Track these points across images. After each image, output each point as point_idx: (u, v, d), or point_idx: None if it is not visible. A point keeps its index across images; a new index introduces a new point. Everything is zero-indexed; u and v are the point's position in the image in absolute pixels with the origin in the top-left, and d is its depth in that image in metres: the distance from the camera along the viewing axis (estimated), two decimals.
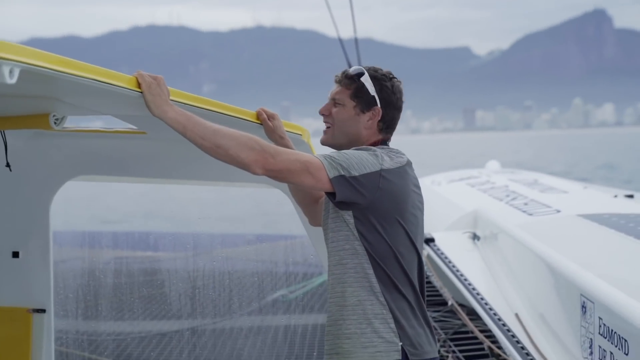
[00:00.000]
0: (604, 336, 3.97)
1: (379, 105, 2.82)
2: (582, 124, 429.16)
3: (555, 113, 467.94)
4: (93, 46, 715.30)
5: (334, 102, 2.86)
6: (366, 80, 2.82)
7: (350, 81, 2.83)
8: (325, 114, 2.87)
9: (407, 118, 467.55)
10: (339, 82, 2.87)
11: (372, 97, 2.82)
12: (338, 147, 2.83)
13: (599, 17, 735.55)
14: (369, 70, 2.85)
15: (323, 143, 2.90)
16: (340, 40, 8.94)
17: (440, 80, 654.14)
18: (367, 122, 2.82)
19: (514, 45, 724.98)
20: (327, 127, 2.87)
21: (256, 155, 2.49)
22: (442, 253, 6.68)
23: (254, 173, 2.52)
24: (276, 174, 2.55)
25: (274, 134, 2.99)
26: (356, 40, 9.04)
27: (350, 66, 8.14)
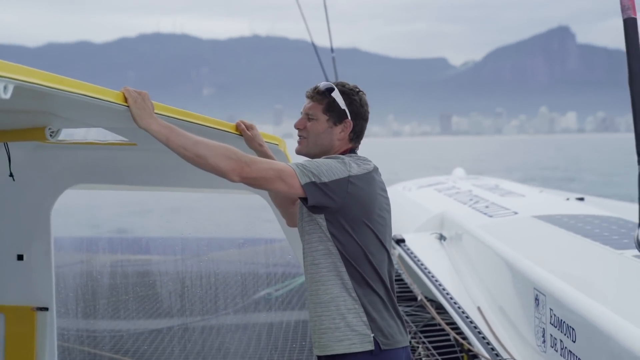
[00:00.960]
0: (554, 325, 4.05)
1: (349, 117, 2.86)
2: (547, 130, 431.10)
3: (523, 120, 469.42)
4: (103, 51, 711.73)
5: (308, 116, 2.89)
6: (336, 95, 2.86)
7: (322, 96, 2.87)
8: (300, 127, 2.91)
9: (389, 122, 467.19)
10: (310, 97, 2.91)
11: (342, 111, 2.86)
12: (312, 156, 2.88)
13: (563, 33, 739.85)
14: (337, 85, 2.90)
15: (298, 153, 2.95)
16: (317, 53, 8.85)
17: (420, 88, 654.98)
18: (340, 133, 2.87)
19: (486, 57, 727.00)
20: (302, 138, 2.91)
21: (233, 164, 2.54)
22: (412, 253, 6.74)
23: (232, 180, 2.57)
24: (252, 182, 2.59)
25: (253, 142, 3.03)
26: (332, 50, 8.94)
27: (324, 73, 8.07)
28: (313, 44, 8.72)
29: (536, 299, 4.39)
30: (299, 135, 2.92)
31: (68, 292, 4.74)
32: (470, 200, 7.61)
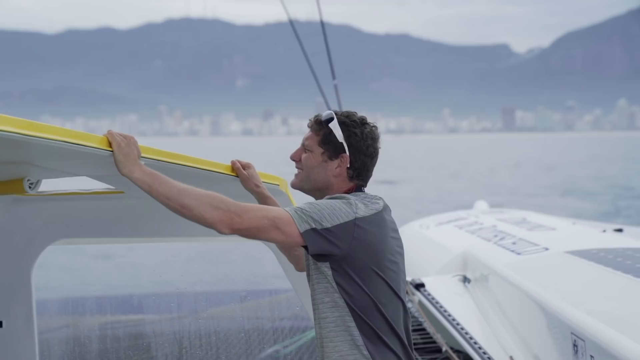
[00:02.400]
0: None
1: (347, 152, 2.84)
2: (627, 126, 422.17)
3: (598, 114, 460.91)
4: (127, 38, 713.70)
5: (304, 147, 2.90)
6: (334, 126, 2.84)
7: (319, 127, 2.87)
8: (296, 159, 2.92)
9: (444, 117, 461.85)
10: (310, 126, 2.91)
11: (340, 144, 2.84)
12: (308, 191, 2.89)
13: None
14: (340, 115, 2.87)
15: (293, 186, 2.96)
16: (313, 71, 8.78)
17: (478, 79, 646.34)
18: (335, 169, 2.85)
19: (555, 43, 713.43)
20: (298, 171, 2.92)
21: (221, 215, 2.54)
22: (433, 298, 6.71)
23: (221, 232, 2.57)
24: (244, 233, 2.59)
25: (249, 183, 3.07)
26: (332, 71, 8.83)
27: (326, 101, 7.88)
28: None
29: (575, 345, 4.41)
30: (296, 167, 2.93)
31: None
32: (495, 236, 7.62)
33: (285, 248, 3.16)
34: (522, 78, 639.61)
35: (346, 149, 2.84)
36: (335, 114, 2.88)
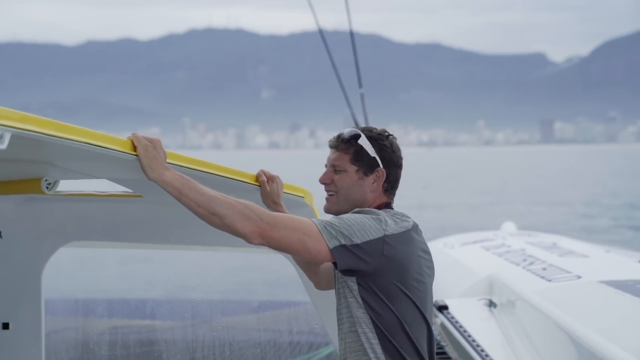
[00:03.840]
0: None
1: (381, 166, 2.87)
2: None
3: None
4: (149, 49, 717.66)
5: (334, 168, 2.89)
6: (364, 142, 2.86)
7: (348, 145, 2.87)
8: (327, 182, 2.89)
9: (479, 128, 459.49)
10: (335, 147, 2.90)
11: (372, 159, 2.85)
12: (342, 213, 2.84)
13: None
14: (363, 130, 2.90)
15: (327, 211, 2.93)
16: (339, 81, 8.77)
17: (514, 89, 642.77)
18: (372, 184, 2.87)
19: (594, 52, 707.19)
20: (330, 195, 2.90)
21: (252, 226, 2.55)
22: (456, 322, 6.64)
23: (251, 243, 2.57)
24: (273, 245, 2.60)
25: (268, 199, 3.06)
26: (359, 78, 8.85)
27: (352, 112, 7.87)
28: (320, 29, 8.45)
29: None
30: (327, 191, 2.90)
31: None
32: (524, 260, 7.53)
33: (306, 266, 3.16)
34: (560, 88, 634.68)
35: (380, 163, 2.87)
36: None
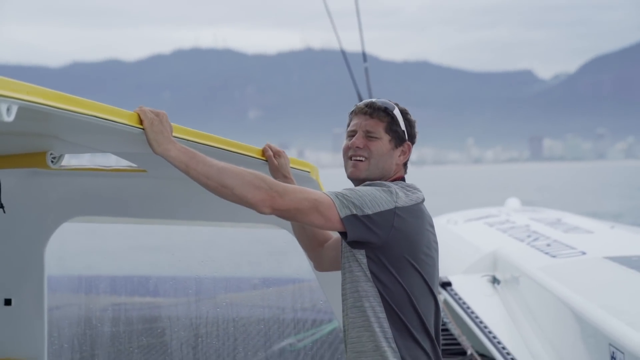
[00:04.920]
0: None
1: (407, 140, 2.91)
2: None
3: (632, 142, 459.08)
4: (135, 70, 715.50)
5: (367, 134, 2.88)
6: (398, 114, 2.89)
7: (384, 114, 2.88)
8: (361, 146, 2.87)
9: (468, 146, 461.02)
10: (369, 114, 2.89)
11: (402, 132, 2.89)
12: (371, 180, 2.85)
13: None
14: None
15: (354, 177, 2.90)
16: (349, 68, 8.99)
17: (502, 106, 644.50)
18: (399, 157, 2.90)
19: (582, 68, 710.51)
20: (359, 160, 2.87)
21: (263, 195, 2.55)
22: (459, 298, 6.70)
23: (261, 212, 2.57)
24: (284, 214, 2.60)
25: (278, 173, 3.06)
26: (364, 54, 9.08)
27: (356, 86, 8.16)
28: (343, 53, 8.81)
29: (612, 357, 4.34)
30: (357, 156, 2.88)
31: (62, 343, 4.66)
32: (529, 236, 7.54)
33: (308, 246, 3.16)
34: (548, 105, 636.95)
35: (406, 137, 2.91)
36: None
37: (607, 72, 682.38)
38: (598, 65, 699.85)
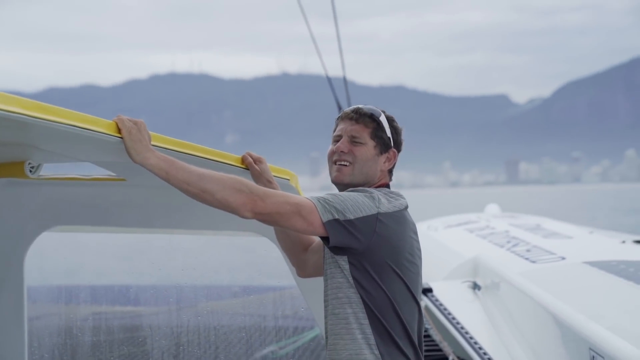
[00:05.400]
0: None
1: (392, 147, 2.92)
2: (637, 178, 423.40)
3: (606, 165, 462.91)
4: (111, 95, 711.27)
5: (352, 139, 2.88)
6: (384, 120, 2.89)
7: (370, 120, 2.89)
8: (345, 151, 2.88)
9: (445, 170, 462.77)
10: (354, 119, 2.89)
11: (388, 139, 2.89)
12: (354, 186, 2.86)
13: None
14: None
15: (338, 181, 2.90)
16: (329, 80, 9.19)
17: (478, 130, 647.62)
18: (384, 163, 2.90)
19: (556, 93, 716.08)
20: (343, 165, 2.88)
21: (244, 198, 2.55)
22: (440, 304, 6.70)
23: (243, 217, 2.57)
24: (266, 217, 2.60)
25: (262, 178, 3.05)
26: (345, 80, 9.27)
27: (339, 107, 8.33)
28: (327, 75, 9.00)
29: None
30: (341, 161, 2.89)
31: (43, 353, 4.65)
32: (508, 242, 7.58)
33: (290, 250, 3.15)
34: (524, 129, 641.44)
35: (392, 144, 2.92)
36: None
37: (581, 96, 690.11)
38: (572, 90, 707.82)
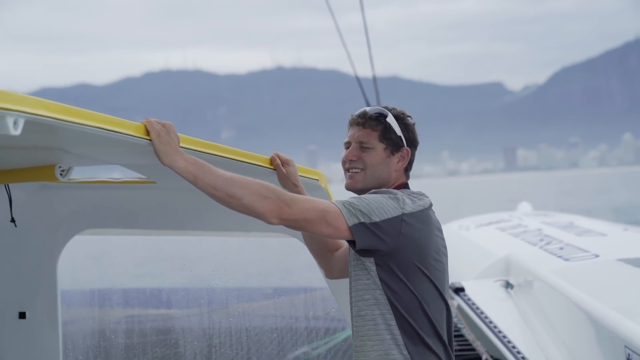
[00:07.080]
0: None
1: (405, 145, 2.90)
2: (634, 161, 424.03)
3: (604, 150, 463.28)
4: (105, 94, 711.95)
5: (361, 145, 2.88)
6: (392, 120, 2.88)
7: (376, 122, 2.88)
8: (354, 158, 2.88)
9: (443, 159, 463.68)
10: (361, 124, 2.90)
11: (398, 138, 2.88)
12: (366, 192, 2.85)
13: None
14: (386, 109, 2.91)
15: (351, 189, 2.91)
16: (358, 80, 9.13)
17: (474, 119, 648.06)
18: (397, 164, 2.89)
19: (550, 79, 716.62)
20: (355, 172, 2.89)
21: (271, 205, 2.55)
22: (473, 303, 6.67)
23: (269, 223, 2.57)
24: (292, 224, 2.60)
25: (288, 182, 3.05)
26: (374, 78, 9.23)
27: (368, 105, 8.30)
28: (355, 74, 8.97)
29: (628, 359, 4.32)
30: (352, 168, 2.90)
31: (77, 355, 4.68)
32: (541, 240, 7.54)
33: (318, 253, 3.15)
34: (520, 116, 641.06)
35: (404, 142, 2.90)
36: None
37: (576, 82, 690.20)
38: (566, 76, 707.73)
